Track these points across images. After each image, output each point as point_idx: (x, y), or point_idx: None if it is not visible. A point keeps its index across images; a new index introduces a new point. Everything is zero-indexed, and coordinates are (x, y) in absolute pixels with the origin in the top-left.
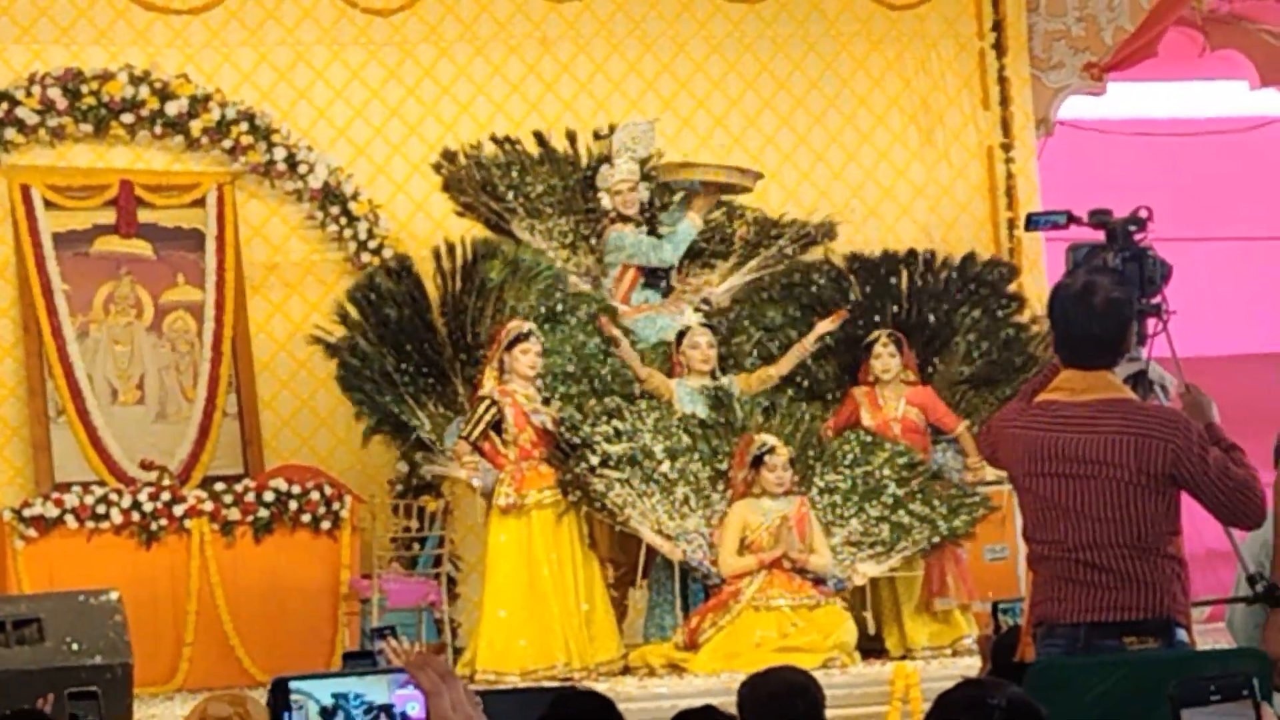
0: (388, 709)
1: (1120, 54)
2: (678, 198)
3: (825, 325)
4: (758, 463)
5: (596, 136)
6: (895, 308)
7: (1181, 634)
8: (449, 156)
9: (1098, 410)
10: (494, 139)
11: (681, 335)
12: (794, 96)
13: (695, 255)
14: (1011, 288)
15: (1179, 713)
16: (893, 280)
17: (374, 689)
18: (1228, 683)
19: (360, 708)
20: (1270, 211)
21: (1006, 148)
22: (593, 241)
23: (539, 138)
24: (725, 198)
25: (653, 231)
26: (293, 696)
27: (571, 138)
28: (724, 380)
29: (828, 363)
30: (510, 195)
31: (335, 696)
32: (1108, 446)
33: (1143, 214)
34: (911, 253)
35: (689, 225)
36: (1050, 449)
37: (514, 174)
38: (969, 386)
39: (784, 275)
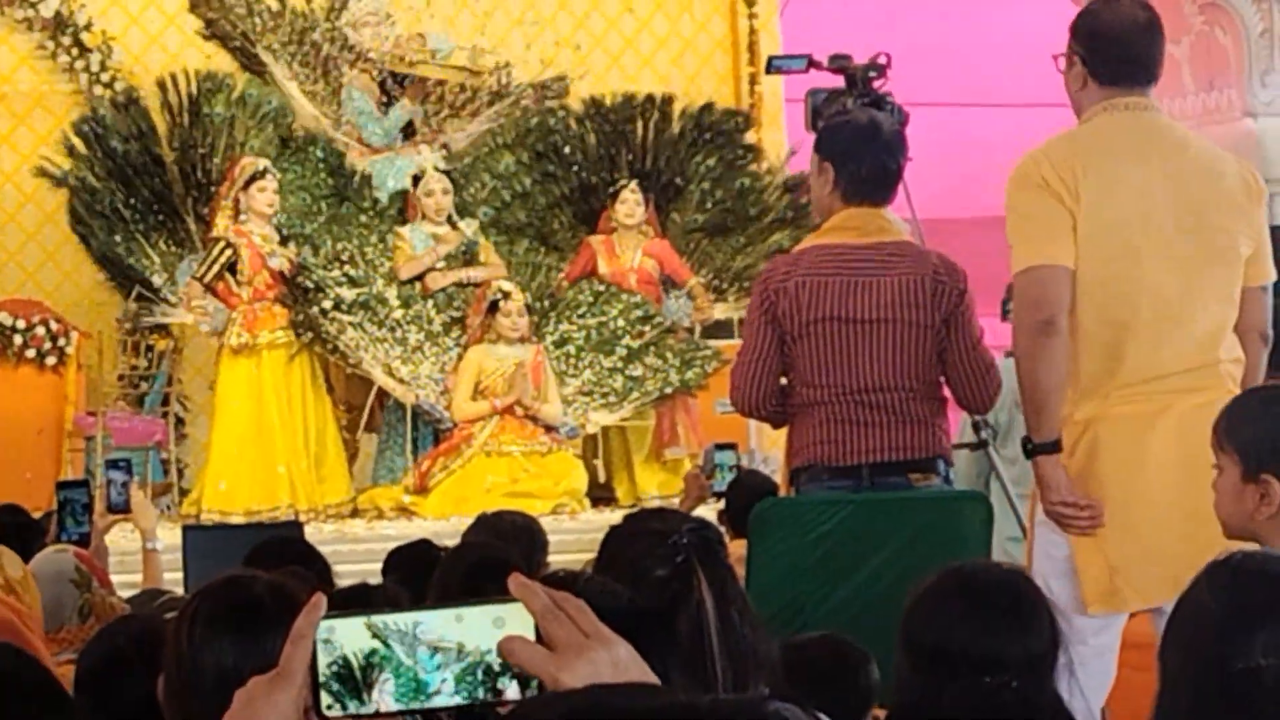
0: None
1: None
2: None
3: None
4: (493, 308)
5: None
6: (630, 156)
7: (946, 469)
8: None
9: (889, 254)
10: None
11: (417, 180)
12: None
13: (438, 101)
14: (748, 138)
15: None
16: (629, 128)
17: None
18: None
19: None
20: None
21: (750, 2)
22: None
23: None
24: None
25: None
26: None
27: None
28: (464, 227)
29: (562, 212)
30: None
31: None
32: (904, 291)
33: (881, 60)
34: (650, 99)
35: (399, 112)
36: (845, 294)
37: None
38: (703, 234)
39: (520, 121)
